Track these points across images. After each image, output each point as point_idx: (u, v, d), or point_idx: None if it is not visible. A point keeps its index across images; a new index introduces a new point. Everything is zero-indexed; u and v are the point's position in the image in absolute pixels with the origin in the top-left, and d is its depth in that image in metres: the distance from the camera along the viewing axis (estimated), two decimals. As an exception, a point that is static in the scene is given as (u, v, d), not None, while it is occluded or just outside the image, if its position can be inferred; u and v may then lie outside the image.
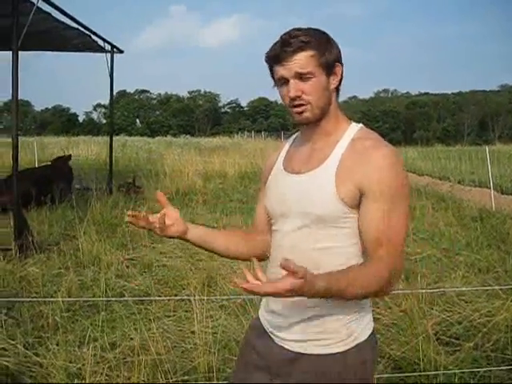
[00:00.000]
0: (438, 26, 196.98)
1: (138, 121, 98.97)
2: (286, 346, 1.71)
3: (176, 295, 5.21)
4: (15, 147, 6.88)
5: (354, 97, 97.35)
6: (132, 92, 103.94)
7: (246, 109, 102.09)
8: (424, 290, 4.56)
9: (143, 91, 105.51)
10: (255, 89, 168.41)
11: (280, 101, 1.77)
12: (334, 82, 1.70)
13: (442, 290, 5.05)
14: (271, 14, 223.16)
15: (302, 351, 1.68)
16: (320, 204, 1.63)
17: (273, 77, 1.72)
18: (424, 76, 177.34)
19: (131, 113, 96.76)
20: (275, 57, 1.65)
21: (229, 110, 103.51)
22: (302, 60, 1.61)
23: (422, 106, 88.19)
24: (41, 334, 4.25)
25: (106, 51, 12.27)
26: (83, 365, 3.52)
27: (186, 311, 4.67)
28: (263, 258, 1.89)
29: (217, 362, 3.63)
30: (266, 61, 1.70)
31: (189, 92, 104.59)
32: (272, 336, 1.77)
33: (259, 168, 16.35)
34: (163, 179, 13.20)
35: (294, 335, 1.69)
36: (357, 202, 1.62)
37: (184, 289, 5.38)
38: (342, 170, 1.63)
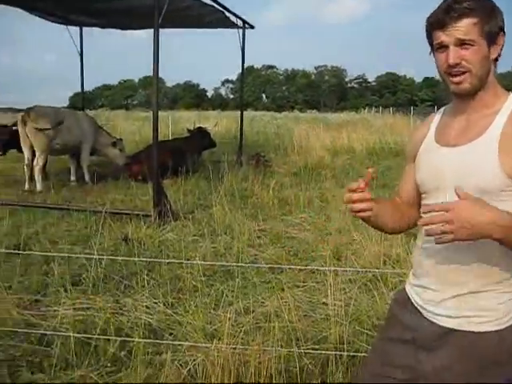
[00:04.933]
0: None
1: (264, 96, 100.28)
2: (436, 321, 1.69)
3: (304, 268, 5.27)
4: (155, 120, 7.25)
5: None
6: (259, 68, 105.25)
7: (372, 84, 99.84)
8: None
9: (270, 67, 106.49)
10: (382, 64, 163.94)
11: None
12: (494, 51, 1.63)
13: None
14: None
15: (454, 327, 1.64)
16: (482, 176, 1.57)
17: (430, 43, 1.67)
18: None
19: (258, 88, 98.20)
20: (437, 22, 1.60)
21: (355, 85, 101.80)
22: (465, 27, 1.56)
23: None
24: (179, 296, 4.50)
25: (237, 27, 12.47)
26: (220, 326, 3.70)
27: (317, 282, 4.72)
28: (405, 230, 1.91)
29: (348, 334, 3.65)
30: (427, 25, 1.66)
31: (315, 67, 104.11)
32: (421, 310, 1.74)
33: (388, 144, 15.97)
34: (291, 154, 13.29)
35: (447, 311, 1.66)
36: None
37: (313, 261, 5.43)
38: (505, 141, 1.56)
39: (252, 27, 13.03)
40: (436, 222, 1.44)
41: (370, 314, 3.94)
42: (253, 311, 4.09)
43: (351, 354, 3.43)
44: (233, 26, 12.29)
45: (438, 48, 1.63)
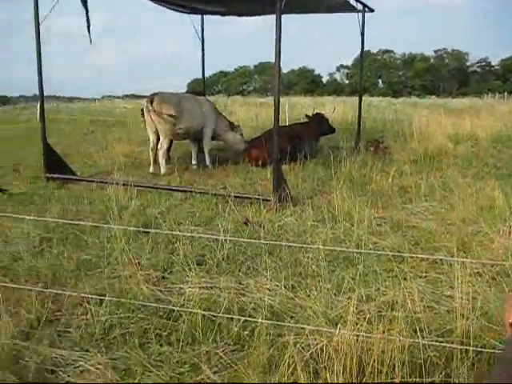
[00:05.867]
0: None
1: (380, 81, 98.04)
2: None
3: (428, 257, 5.12)
4: (276, 105, 7.31)
5: None
6: (375, 52, 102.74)
7: (496, 68, 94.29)
8: None
9: (387, 51, 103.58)
10: (508, 46, 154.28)
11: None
12: None
13: None
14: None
15: None
16: None
17: None
18: None
19: (374, 73, 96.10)
20: None
21: (478, 70, 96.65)
22: None
23: None
24: (300, 280, 4.55)
25: (357, 11, 12.24)
26: (342, 312, 3.69)
27: (441, 274, 4.57)
28: None
29: (474, 328, 3.50)
30: None
31: (434, 51, 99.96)
32: None
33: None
34: (410, 140, 12.90)
35: None
36: None
37: (436, 251, 5.26)
38: None
39: (372, 10, 12.73)
40: None
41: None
42: (374, 299, 4.05)
43: (478, 349, 3.30)
44: (352, 9, 12.08)
45: None
